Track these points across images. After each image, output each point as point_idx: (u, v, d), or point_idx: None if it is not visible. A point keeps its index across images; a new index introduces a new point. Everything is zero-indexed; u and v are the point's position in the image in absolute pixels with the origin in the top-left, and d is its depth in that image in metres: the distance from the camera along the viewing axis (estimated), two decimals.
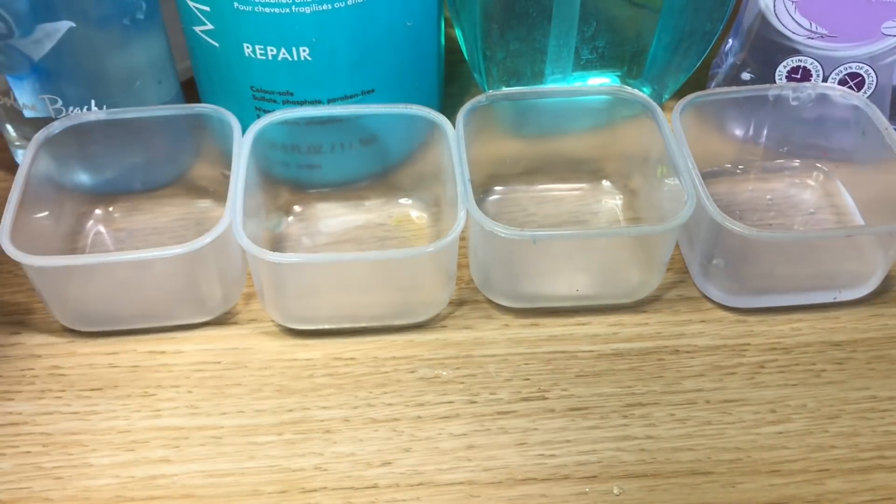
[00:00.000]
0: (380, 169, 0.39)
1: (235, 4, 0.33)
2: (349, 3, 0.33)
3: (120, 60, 0.36)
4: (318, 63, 0.35)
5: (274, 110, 0.36)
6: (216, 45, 0.35)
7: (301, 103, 0.36)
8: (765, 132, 0.40)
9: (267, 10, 0.33)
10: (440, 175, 0.36)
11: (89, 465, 0.31)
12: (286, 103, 0.36)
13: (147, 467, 0.31)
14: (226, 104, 0.36)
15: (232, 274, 0.34)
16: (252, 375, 0.33)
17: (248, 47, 0.34)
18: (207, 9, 0.34)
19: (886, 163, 0.36)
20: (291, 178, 0.39)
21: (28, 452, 0.31)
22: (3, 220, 0.32)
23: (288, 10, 0.33)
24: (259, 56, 0.35)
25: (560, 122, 0.39)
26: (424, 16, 0.37)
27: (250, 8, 0.33)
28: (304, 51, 0.34)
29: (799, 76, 0.40)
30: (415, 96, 0.37)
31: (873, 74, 0.39)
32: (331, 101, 0.36)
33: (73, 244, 0.37)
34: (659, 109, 0.36)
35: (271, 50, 0.34)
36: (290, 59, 0.34)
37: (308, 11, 0.33)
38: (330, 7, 0.33)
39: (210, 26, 0.35)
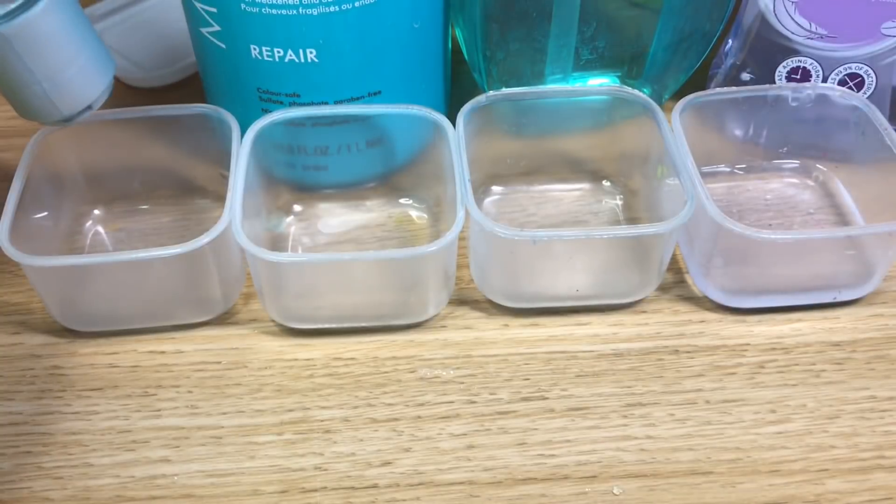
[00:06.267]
0: (384, 170, 0.39)
1: (242, 6, 0.33)
2: (356, 4, 0.33)
3: None
4: (325, 65, 0.35)
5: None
6: (223, 46, 0.35)
7: (308, 105, 0.36)
8: (764, 132, 0.40)
9: (274, 11, 0.33)
10: (441, 175, 0.36)
11: (89, 465, 0.31)
12: (293, 105, 0.36)
13: (147, 467, 0.31)
14: (232, 106, 0.36)
15: (232, 274, 0.34)
16: (252, 375, 0.33)
17: (254, 49, 0.34)
18: (214, 10, 0.34)
19: (886, 163, 0.36)
20: (297, 179, 0.39)
21: (28, 452, 0.31)
22: (2, 220, 0.32)
23: (295, 11, 0.33)
24: (266, 58, 0.35)
25: (560, 122, 0.39)
26: (431, 17, 0.37)
27: (257, 9, 0.33)
28: (311, 52, 0.34)
29: (798, 77, 0.40)
30: (421, 98, 0.37)
31: (873, 75, 0.39)
32: (337, 102, 0.36)
33: (72, 244, 0.37)
34: (659, 109, 0.36)
35: (278, 51, 0.34)
36: (297, 60, 0.34)
37: (315, 13, 0.33)
38: (337, 9, 0.33)
39: (217, 28, 0.35)
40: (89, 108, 0.32)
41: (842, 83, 0.40)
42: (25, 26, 0.28)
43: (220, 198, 0.34)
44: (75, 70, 0.30)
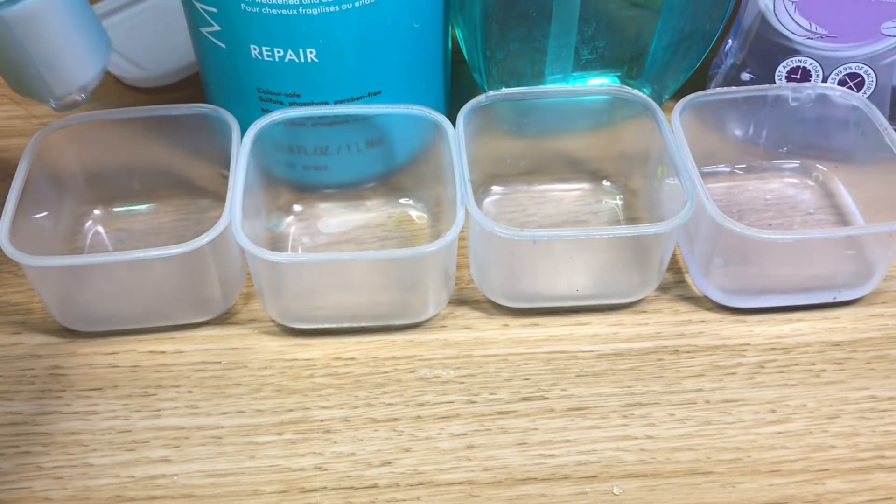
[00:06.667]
0: (384, 170, 0.39)
1: (242, 6, 0.33)
2: (357, 4, 0.33)
3: None
4: (325, 65, 0.35)
5: None
6: (223, 46, 0.35)
7: (308, 105, 0.36)
8: (764, 132, 0.40)
9: (274, 11, 0.33)
10: (441, 175, 0.36)
11: (89, 465, 0.31)
12: (293, 105, 0.36)
13: (147, 467, 0.31)
14: (232, 105, 0.36)
15: (231, 274, 0.34)
16: (252, 375, 0.33)
17: (254, 49, 0.34)
18: (214, 10, 0.34)
19: (886, 163, 0.36)
20: (297, 179, 0.39)
21: (28, 452, 0.31)
22: (2, 220, 0.32)
23: (295, 11, 0.33)
24: (266, 57, 0.35)
25: (560, 122, 0.39)
26: (431, 17, 0.37)
27: (257, 9, 0.33)
28: (311, 52, 0.34)
29: (798, 76, 0.40)
30: (421, 98, 0.37)
31: (873, 75, 0.39)
32: (337, 102, 0.36)
33: (72, 244, 0.37)
34: (659, 109, 0.36)
35: (278, 51, 0.34)
36: (297, 60, 0.34)
37: (315, 13, 0.33)
38: (337, 9, 0.33)
39: (217, 27, 0.35)
40: (83, 89, 0.32)
41: (842, 83, 0.40)
42: (26, 11, 0.28)
43: (220, 198, 0.34)
44: (71, 53, 0.30)
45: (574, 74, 0.41)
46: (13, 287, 0.37)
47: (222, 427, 0.32)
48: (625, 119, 0.38)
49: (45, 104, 0.32)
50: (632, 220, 0.39)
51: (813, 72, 0.40)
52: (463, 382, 0.33)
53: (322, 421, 0.32)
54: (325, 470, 0.31)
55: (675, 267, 0.37)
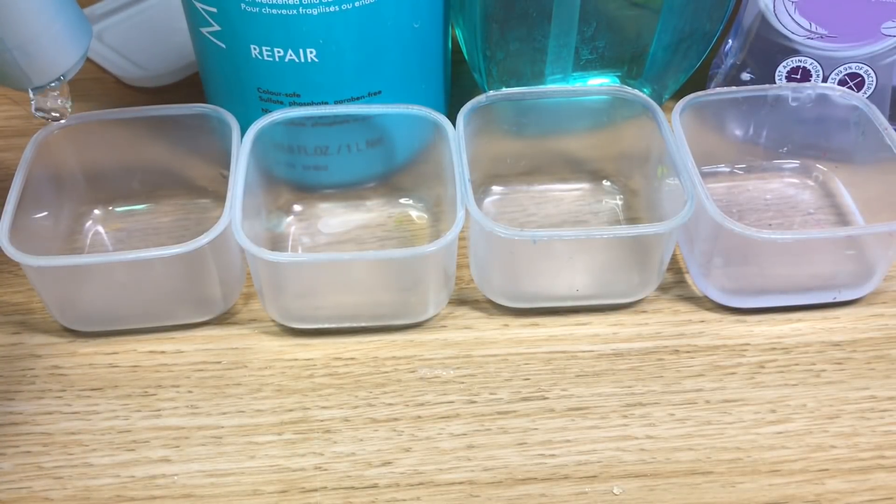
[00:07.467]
0: (384, 170, 0.39)
1: (242, 6, 0.33)
2: (356, 4, 0.33)
3: None
4: (325, 65, 0.35)
5: None
6: (223, 46, 0.35)
7: (308, 105, 0.36)
8: (764, 132, 0.40)
9: (274, 11, 0.33)
10: (441, 175, 0.36)
11: (89, 465, 0.31)
12: (293, 105, 0.36)
13: (147, 467, 0.31)
14: (232, 105, 0.36)
15: (232, 274, 0.34)
16: (252, 375, 0.33)
17: (254, 49, 0.34)
18: (214, 10, 0.34)
19: (886, 163, 0.36)
20: (296, 179, 0.39)
21: (28, 452, 0.31)
22: (2, 220, 0.32)
23: (295, 11, 0.33)
24: (266, 57, 0.35)
25: (560, 122, 0.39)
26: (431, 17, 0.37)
27: (257, 9, 0.33)
28: (311, 52, 0.34)
29: (799, 76, 0.40)
30: (421, 98, 0.37)
31: (873, 74, 0.39)
32: (337, 102, 0.36)
33: (72, 244, 0.37)
34: (659, 109, 0.36)
35: (278, 51, 0.34)
36: (297, 60, 0.34)
37: (315, 13, 0.33)
38: (337, 9, 0.33)
39: (217, 27, 0.35)
40: (62, 77, 0.31)
41: (842, 83, 0.40)
42: None
43: (220, 198, 0.34)
44: (47, 40, 0.30)
45: (574, 74, 0.41)
46: (13, 287, 0.37)
47: (222, 427, 0.32)
48: (625, 119, 0.38)
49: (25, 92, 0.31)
50: (632, 220, 0.39)
51: (813, 72, 0.40)
52: (463, 382, 0.33)
53: (322, 421, 0.32)
54: (325, 470, 0.31)
55: (675, 267, 0.37)
